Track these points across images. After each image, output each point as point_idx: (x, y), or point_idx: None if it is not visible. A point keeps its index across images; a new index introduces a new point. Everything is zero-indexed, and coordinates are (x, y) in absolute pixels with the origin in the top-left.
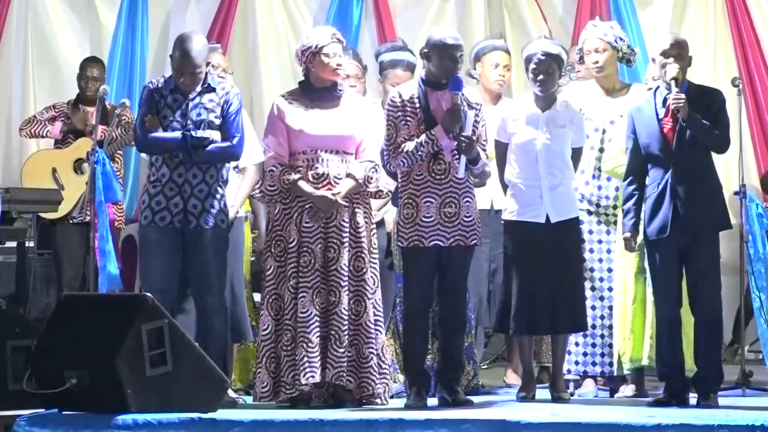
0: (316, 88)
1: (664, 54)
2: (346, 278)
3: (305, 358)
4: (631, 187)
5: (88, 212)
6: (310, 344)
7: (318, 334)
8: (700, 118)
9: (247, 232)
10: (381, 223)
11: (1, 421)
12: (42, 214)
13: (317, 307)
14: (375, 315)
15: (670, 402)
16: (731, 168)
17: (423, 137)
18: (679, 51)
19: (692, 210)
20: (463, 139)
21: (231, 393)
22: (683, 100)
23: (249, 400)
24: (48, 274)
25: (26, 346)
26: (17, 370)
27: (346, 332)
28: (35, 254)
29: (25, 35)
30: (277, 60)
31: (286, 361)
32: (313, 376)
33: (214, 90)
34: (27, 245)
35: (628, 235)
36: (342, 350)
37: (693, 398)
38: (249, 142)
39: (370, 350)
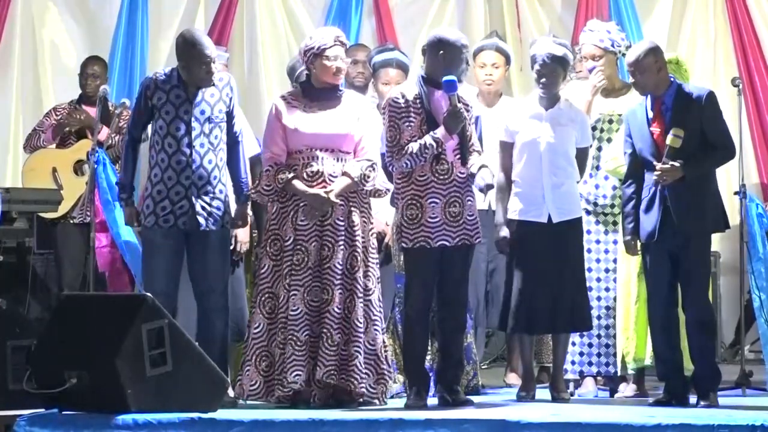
0: (316, 89)
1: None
2: (340, 277)
3: (293, 357)
4: (630, 190)
5: (88, 212)
6: (298, 343)
7: (307, 332)
8: (696, 166)
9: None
10: None
11: (1, 421)
12: (42, 214)
13: (308, 306)
14: (367, 314)
15: (670, 402)
16: (731, 168)
17: (428, 139)
18: (637, 68)
19: (682, 215)
20: (450, 108)
21: (231, 393)
22: (668, 175)
23: None
24: (48, 274)
25: (26, 346)
26: (17, 370)
27: (338, 331)
28: (35, 254)
29: (24, 37)
30: (277, 60)
31: (282, 359)
32: (299, 375)
33: (213, 83)
34: (27, 245)
35: (628, 238)
36: (334, 349)
37: (693, 398)
38: (245, 137)
39: (356, 348)
